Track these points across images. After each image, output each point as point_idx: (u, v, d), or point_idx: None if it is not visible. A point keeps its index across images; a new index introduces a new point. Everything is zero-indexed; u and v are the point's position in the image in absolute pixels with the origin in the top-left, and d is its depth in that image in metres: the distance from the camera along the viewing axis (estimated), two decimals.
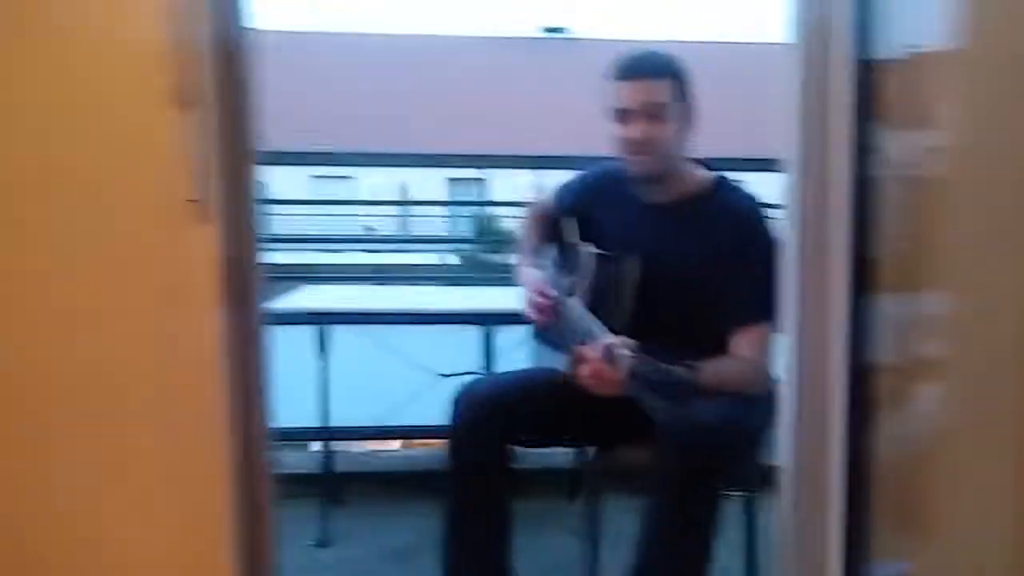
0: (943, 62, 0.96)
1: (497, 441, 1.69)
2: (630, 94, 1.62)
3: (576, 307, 1.64)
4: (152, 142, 1.12)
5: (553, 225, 1.95)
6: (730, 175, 1.76)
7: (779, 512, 1.21)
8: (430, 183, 15.35)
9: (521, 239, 2.01)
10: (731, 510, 1.56)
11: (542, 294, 1.77)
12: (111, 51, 1.12)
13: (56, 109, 1.13)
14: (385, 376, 2.82)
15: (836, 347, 1.01)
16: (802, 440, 1.08)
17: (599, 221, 1.79)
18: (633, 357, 1.29)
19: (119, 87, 1.13)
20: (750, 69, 14.54)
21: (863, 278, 1.00)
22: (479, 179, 15.36)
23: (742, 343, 1.59)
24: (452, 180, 15.97)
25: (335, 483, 2.59)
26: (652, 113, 1.61)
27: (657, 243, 1.67)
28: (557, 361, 1.77)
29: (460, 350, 2.81)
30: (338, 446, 2.70)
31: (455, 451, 1.71)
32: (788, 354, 1.12)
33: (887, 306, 1.01)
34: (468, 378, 1.90)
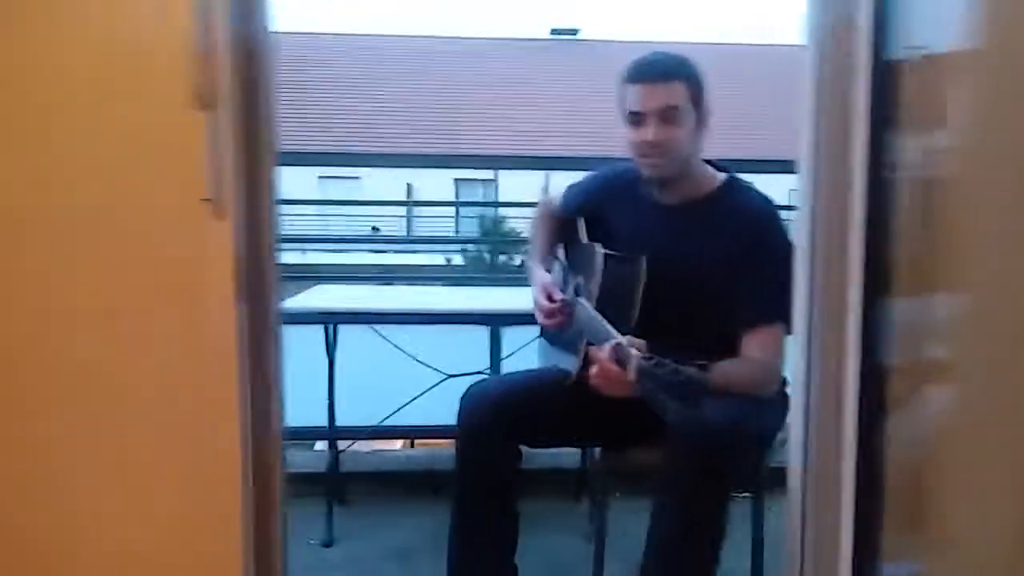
0: (958, 63, 0.95)
1: (505, 442, 1.69)
2: (644, 97, 1.62)
3: (585, 308, 1.64)
4: (171, 142, 1.12)
5: (563, 226, 1.95)
6: (740, 176, 1.76)
7: (788, 514, 1.21)
8: (437, 184, 15.39)
9: (530, 239, 2.00)
10: (735, 511, 1.55)
11: (551, 296, 1.77)
12: (131, 51, 1.13)
13: (76, 108, 1.14)
14: (392, 376, 2.82)
15: (850, 349, 1.01)
16: (815, 442, 1.08)
17: (609, 222, 1.78)
18: (643, 357, 1.28)
19: (138, 87, 1.13)
20: (760, 71, 14.55)
21: (878, 280, 0.99)
22: (487, 180, 15.38)
23: (753, 344, 1.59)
24: (459, 181, 16.00)
25: (339, 482, 2.59)
26: (666, 116, 1.61)
27: (667, 244, 1.66)
28: (565, 361, 1.77)
29: (466, 350, 2.81)
30: (343, 445, 2.70)
31: (463, 451, 1.71)
32: (800, 355, 1.11)
33: (901, 308, 1.00)
34: (476, 379, 1.90)
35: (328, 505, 2.41)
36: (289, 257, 1.32)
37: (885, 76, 0.97)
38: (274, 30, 1.16)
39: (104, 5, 1.13)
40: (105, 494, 1.20)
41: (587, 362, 1.55)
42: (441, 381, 2.69)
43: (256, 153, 1.13)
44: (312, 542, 2.33)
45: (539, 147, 13.38)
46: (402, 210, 15.13)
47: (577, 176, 2.03)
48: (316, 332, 2.44)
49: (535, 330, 2.04)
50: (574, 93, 15.55)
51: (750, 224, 1.64)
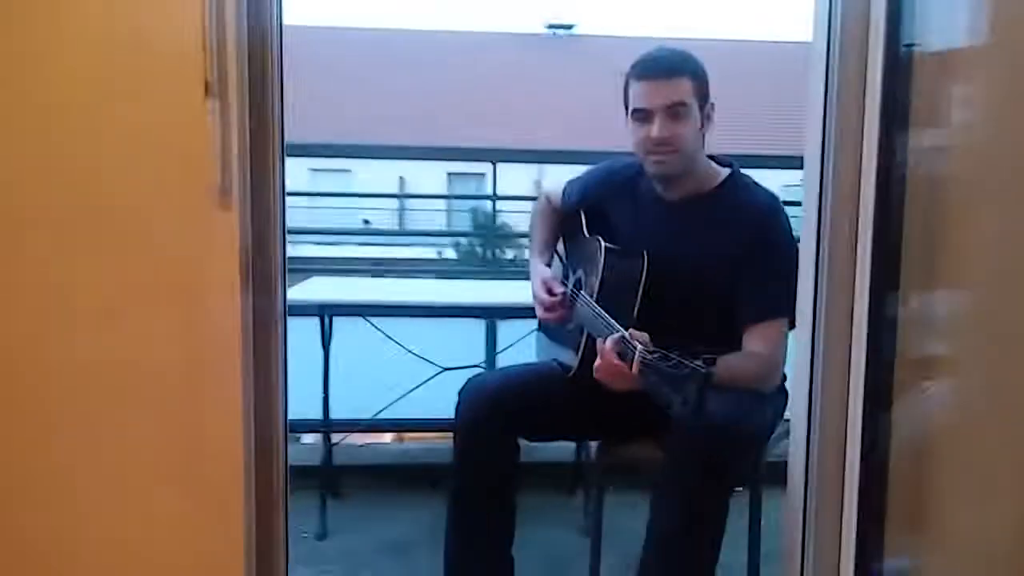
0: (966, 60, 0.96)
1: (503, 435, 1.69)
2: (651, 94, 1.62)
3: (587, 301, 1.64)
4: (179, 132, 1.12)
5: (562, 220, 1.95)
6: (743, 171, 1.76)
7: (788, 508, 1.21)
8: (430, 178, 15.33)
9: (530, 233, 2.00)
10: (732, 506, 1.56)
11: (550, 290, 1.77)
12: (141, 42, 1.12)
13: (84, 98, 1.13)
14: (386, 368, 2.82)
15: (858, 343, 1.01)
16: (819, 437, 1.09)
17: (609, 216, 1.78)
18: (647, 351, 1.28)
19: (147, 77, 1.12)
20: (750, 67, 14.57)
21: (887, 275, 1.00)
22: (479, 174, 15.32)
23: (756, 339, 1.59)
24: (452, 175, 15.95)
25: (333, 475, 2.58)
26: (673, 112, 1.61)
27: (670, 240, 1.67)
28: (564, 356, 1.77)
29: (462, 343, 2.81)
30: (336, 438, 2.70)
31: (461, 445, 1.71)
32: (805, 350, 1.12)
33: (908, 303, 1.01)
34: (473, 372, 1.90)
35: (322, 498, 2.41)
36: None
37: (898, 72, 0.97)
38: (285, 22, 1.16)
39: None
40: (108, 488, 1.20)
41: (588, 356, 1.55)
42: (437, 374, 2.69)
43: (264, 144, 1.13)
44: (306, 535, 2.33)
45: (533, 140, 13.37)
46: (394, 203, 15.06)
47: (571, 171, 2.03)
48: (309, 325, 2.43)
49: (531, 324, 2.05)
50: (569, 88, 15.54)
51: (753, 219, 1.65)
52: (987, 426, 0.95)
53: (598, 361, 1.45)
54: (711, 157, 1.73)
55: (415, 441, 3.15)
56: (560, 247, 1.97)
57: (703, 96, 1.64)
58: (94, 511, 1.20)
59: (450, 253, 13.33)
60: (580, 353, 1.64)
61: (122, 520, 1.20)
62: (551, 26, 19.72)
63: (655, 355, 1.25)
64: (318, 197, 13.26)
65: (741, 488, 1.69)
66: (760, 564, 1.72)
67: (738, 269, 1.61)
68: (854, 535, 1.04)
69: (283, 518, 1.21)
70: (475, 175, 15.98)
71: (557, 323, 1.77)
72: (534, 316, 1.88)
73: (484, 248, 12.37)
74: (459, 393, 1.74)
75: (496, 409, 1.68)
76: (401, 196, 14.75)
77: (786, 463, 1.24)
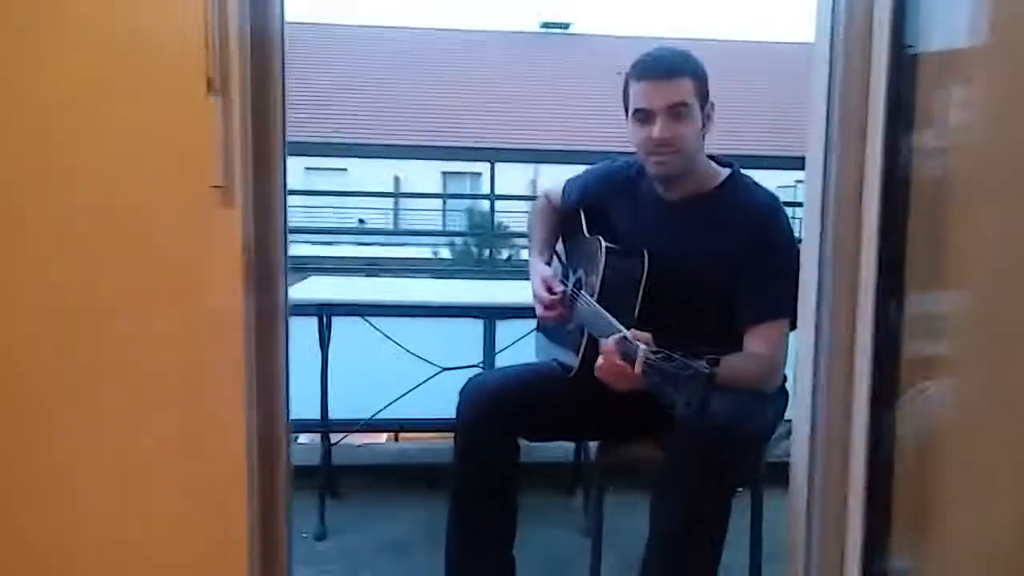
0: (972, 59, 0.96)
1: (504, 435, 1.69)
2: (652, 94, 1.61)
3: (588, 301, 1.64)
4: (181, 129, 1.11)
5: (562, 219, 1.95)
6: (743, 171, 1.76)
7: (791, 509, 1.21)
8: (425, 177, 15.32)
9: (529, 232, 2.00)
10: (733, 506, 1.55)
11: (550, 289, 1.77)
12: (143, 39, 1.11)
13: (87, 95, 1.13)
14: (384, 368, 2.81)
15: (861, 344, 1.01)
16: (823, 437, 1.08)
17: (610, 215, 1.78)
18: (650, 351, 1.28)
19: (150, 74, 1.12)
20: (744, 67, 14.60)
21: (891, 275, 1.00)
22: (474, 173, 15.33)
23: (757, 339, 1.59)
24: (447, 174, 15.94)
25: (332, 476, 2.58)
26: (675, 113, 1.60)
27: (670, 240, 1.66)
28: (562, 355, 1.77)
29: (459, 343, 2.80)
30: (335, 438, 2.69)
31: (462, 445, 1.70)
32: (808, 350, 1.12)
33: (912, 303, 1.01)
34: (471, 372, 1.89)
35: (320, 498, 2.41)
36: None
37: (903, 72, 0.97)
38: (296, 18, 1.15)
39: None
40: (110, 488, 1.19)
41: (589, 356, 1.54)
42: (436, 374, 2.69)
43: (266, 142, 1.12)
44: (305, 535, 2.33)
45: (528, 140, 13.37)
46: (389, 202, 15.06)
47: (567, 170, 2.02)
48: (306, 324, 2.42)
49: (529, 324, 2.04)
50: (565, 88, 15.54)
51: (753, 220, 1.64)
52: (991, 427, 0.95)
53: (600, 361, 1.44)
54: (711, 157, 1.73)
55: (414, 441, 3.14)
56: (559, 247, 1.97)
57: (704, 96, 1.64)
58: (96, 511, 1.19)
59: (445, 253, 13.35)
60: (581, 353, 1.63)
61: (125, 520, 1.19)
62: (546, 24, 19.73)
63: (658, 355, 1.25)
64: (314, 196, 13.27)
65: (742, 488, 1.69)
66: (762, 565, 1.72)
67: (738, 269, 1.61)
68: (858, 535, 1.04)
69: (286, 518, 1.20)
70: (470, 174, 16.01)
71: (557, 321, 1.77)
72: (533, 316, 1.88)
73: (479, 248, 12.39)
74: (460, 393, 1.74)
75: (497, 409, 1.68)
76: (398, 195, 14.74)
77: (787, 463, 1.24)
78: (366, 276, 5.88)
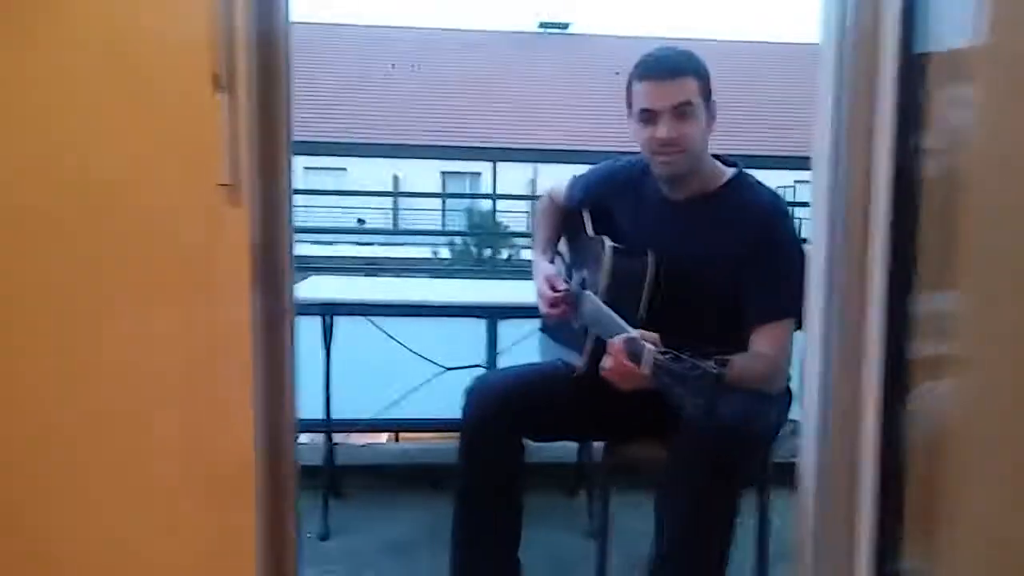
0: (980, 58, 0.95)
1: (509, 435, 1.69)
2: (656, 95, 1.60)
3: (594, 301, 1.63)
4: (189, 127, 1.11)
5: (566, 218, 1.94)
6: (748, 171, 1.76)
7: (799, 510, 1.21)
8: (424, 177, 15.33)
9: (533, 231, 1.99)
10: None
11: (554, 288, 1.76)
12: (149, 37, 1.11)
13: (94, 93, 1.12)
14: (387, 368, 2.81)
15: (872, 344, 1.01)
16: (833, 437, 1.08)
17: (614, 215, 1.78)
18: (658, 351, 1.28)
19: (157, 72, 1.12)
20: (741, 67, 14.60)
21: (900, 274, 0.99)
22: (474, 173, 15.35)
23: (763, 339, 1.58)
24: (446, 173, 15.95)
25: (335, 476, 2.57)
26: (680, 113, 1.60)
27: (675, 240, 1.66)
28: (568, 356, 1.76)
29: (462, 343, 2.80)
30: (338, 438, 2.69)
31: (467, 445, 1.70)
32: (816, 350, 1.11)
33: (922, 303, 1.00)
34: (475, 372, 1.89)
35: (324, 498, 2.40)
36: None
37: (911, 72, 0.96)
38: (295, 18, 1.15)
39: None
40: (116, 488, 1.18)
41: (595, 356, 1.54)
42: (440, 374, 2.68)
43: (273, 140, 1.11)
44: (309, 535, 2.32)
45: (528, 140, 13.38)
46: (389, 202, 15.08)
47: (567, 170, 2.02)
48: (310, 324, 2.42)
49: (532, 324, 2.04)
50: (564, 87, 15.54)
51: (758, 220, 1.64)
52: (1003, 426, 0.95)
53: (608, 361, 1.44)
54: (716, 157, 1.73)
55: (416, 441, 3.14)
56: (563, 247, 1.96)
57: (707, 95, 1.64)
58: (102, 512, 1.19)
59: (444, 253, 13.35)
60: (588, 353, 1.63)
61: (131, 521, 1.19)
62: (544, 24, 19.73)
63: (667, 356, 1.25)
64: (313, 196, 13.28)
65: (748, 489, 1.69)
66: (768, 565, 1.72)
67: (743, 269, 1.60)
68: (867, 536, 1.03)
69: (294, 518, 1.20)
70: (469, 174, 16.02)
71: (560, 319, 1.76)
72: (536, 316, 1.88)
73: (479, 247, 12.40)
74: (466, 392, 1.73)
75: (504, 408, 1.68)
76: (398, 195, 14.75)
77: (793, 464, 1.23)
78: (366, 276, 5.89)
